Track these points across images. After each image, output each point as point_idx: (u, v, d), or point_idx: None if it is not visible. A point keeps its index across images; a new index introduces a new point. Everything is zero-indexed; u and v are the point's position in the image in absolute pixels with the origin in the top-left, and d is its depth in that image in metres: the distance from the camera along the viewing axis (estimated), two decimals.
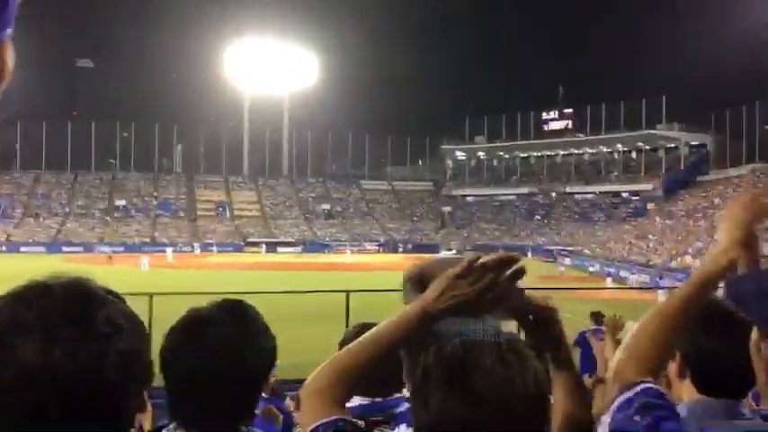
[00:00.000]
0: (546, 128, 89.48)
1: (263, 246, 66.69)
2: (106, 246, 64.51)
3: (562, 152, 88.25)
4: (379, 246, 72.60)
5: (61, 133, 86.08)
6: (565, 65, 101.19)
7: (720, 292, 1.59)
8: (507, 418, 0.98)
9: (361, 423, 1.48)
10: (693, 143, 76.39)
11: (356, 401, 1.89)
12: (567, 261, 51.25)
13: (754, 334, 1.01)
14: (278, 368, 5.33)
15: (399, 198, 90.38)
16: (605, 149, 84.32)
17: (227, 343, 1.45)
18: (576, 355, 10.34)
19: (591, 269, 45.94)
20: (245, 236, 73.79)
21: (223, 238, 73.30)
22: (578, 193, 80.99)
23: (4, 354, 0.85)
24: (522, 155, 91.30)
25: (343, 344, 2.41)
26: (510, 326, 1.38)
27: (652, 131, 77.28)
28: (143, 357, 0.96)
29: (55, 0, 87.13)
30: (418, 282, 1.34)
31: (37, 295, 0.91)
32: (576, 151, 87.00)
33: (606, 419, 1.28)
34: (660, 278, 33.94)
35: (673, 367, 1.76)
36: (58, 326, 0.87)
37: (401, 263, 51.58)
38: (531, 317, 1.37)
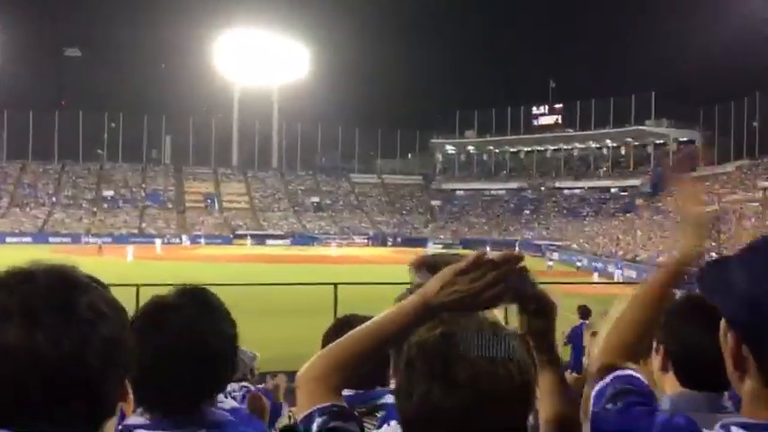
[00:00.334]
0: (536, 123, 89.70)
1: (249, 238, 66.44)
2: (93, 237, 64.15)
3: (551, 147, 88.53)
4: (367, 239, 72.63)
5: (48, 123, 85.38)
6: (555, 60, 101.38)
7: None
8: (491, 407, 0.98)
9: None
10: (682, 139, 76.85)
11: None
12: (556, 256, 51.44)
13: (723, 323, 1.03)
14: (258, 360, 5.32)
15: (389, 191, 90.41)
16: (594, 145, 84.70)
17: (189, 326, 1.50)
18: (567, 351, 10.40)
19: (579, 264, 46.17)
20: (234, 228, 73.61)
21: (212, 229, 73.08)
22: (567, 189, 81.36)
23: None
24: (511, 149, 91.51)
25: (326, 337, 2.42)
26: (495, 313, 1.39)
27: (641, 127, 77.69)
28: (125, 344, 0.96)
29: None
30: (433, 266, 1.36)
31: (19, 281, 0.90)
32: (566, 146, 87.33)
33: (588, 408, 1.28)
34: (647, 273, 34.16)
35: (656, 361, 1.78)
36: (41, 311, 0.87)
37: (389, 256, 51.63)
38: (534, 306, 1.37)
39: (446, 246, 60.09)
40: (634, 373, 1.29)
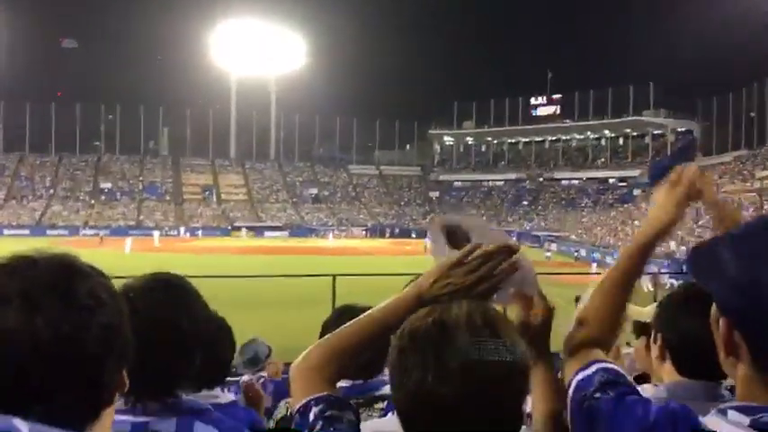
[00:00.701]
0: (534, 113, 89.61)
1: (244, 230, 66.35)
2: (91, 229, 64.07)
3: (550, 138, 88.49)
4: (365, 230, 72.63)
5: (45, 115, 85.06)
6: (553, 51, 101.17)
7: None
8: (485, 394, 0.99)
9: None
10: (680, 129, 76.85)
11: (337, 383, 1.91)
12: (554, 246, 51.51)
13: (714, 309, 1.03)
14: (273, 353, 5.31)
15: (387, 183, 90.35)
16: (592, 135, 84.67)
17: (156, 307, 1.50)
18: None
19: (576, 254, 46.24)
20: (232, 220, 73.55)
21: (210, 221, 73.03)
22: (565, 179, 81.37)
23: None
24: (509, 140, 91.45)
25: (325, 326, 2.42)
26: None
27: (639, 118, 77.66)
28: (124, 333, 0.96)
29: None
30: (452, 231, 1.33)
31: (20, 266, 0.91)
32: (564, 137, 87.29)
33: (569, 398, 1.27)
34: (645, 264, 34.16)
35: (654, 350, 1.78)
36: (41, 296, 0.88)
37: (387, 247, 51.65)
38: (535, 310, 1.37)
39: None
40: (615, 366, 1.29)
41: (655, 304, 1.90)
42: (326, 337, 1.32)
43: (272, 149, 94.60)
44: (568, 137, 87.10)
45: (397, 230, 71.79)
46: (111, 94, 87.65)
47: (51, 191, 76.38)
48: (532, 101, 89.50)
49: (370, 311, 1.30)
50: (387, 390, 2.06)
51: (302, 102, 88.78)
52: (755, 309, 0.91)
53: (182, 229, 66.90)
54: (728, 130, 70.19)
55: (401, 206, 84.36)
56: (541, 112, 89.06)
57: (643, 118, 77.41)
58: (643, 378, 2.28)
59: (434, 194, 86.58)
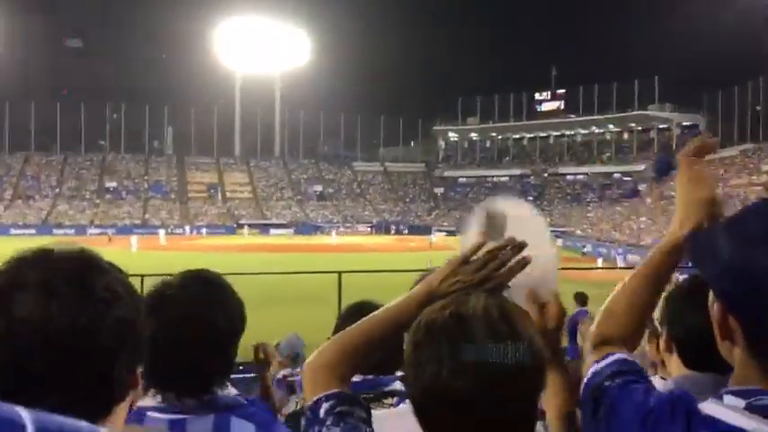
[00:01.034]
0: (538, 109, 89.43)
1: (246, 227, 66.40)
2: (97, 228, 64.27)
3: (554, 133, 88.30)
4: (370, 227, 72.65)
5: (50, 114, 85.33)
6: (558, 46, 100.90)
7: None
8: (500, 388, 0.98)
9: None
10: (685, 123, 76.56)
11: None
12: (559, 242, 51.40)
13: (711, 294, 1.03)
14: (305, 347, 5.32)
15: (391, 179, 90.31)
16: (597, 130, 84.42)
17: (193, 304, 1.52)
18: (565, 339, 10.42)
19: (584, 250, 46.14)
20: (237, 218, 73.67)
21: (215, 220, 73.16)
22: (570, 174, 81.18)
23: (2, 305, 0.86)
24: (514, 136, 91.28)
25: (340, 322, 2.43)
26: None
27: (644, 112, 77.41)
28: (139, 329, 0.96)
29: None
30: (492, 220, 1.32)
31: (40, 257, 0.93)
32: (569, 132, 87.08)
33: (581, 390, 1.28)
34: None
35: (661, 343, 1.78)
36: (58, 286, 0.88)
37: (392, 244, 51.65)
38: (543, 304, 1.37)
39: (449, 233, 60.04)
40: (630, 357, 1.28)
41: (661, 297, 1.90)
42: (339, 334, 1.32)
43: (277, 147, 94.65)
44: (573, 132, 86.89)
45: (402, 227, 71.79)
46: (116, 94, 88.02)
47: (57, 190, 76.65)
48: (537, 96, 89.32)
49: (382, 309, 1.30)
50: (397, 385, 2.07)
51: (306, 99, 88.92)
52: (748, 293, 0.92)
53: (187, 228, 67.06)
54: (734, 124, 69.89)
55: (406, 203, 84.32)
56: (546, 107, 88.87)
57: (648, 112, 77.15)
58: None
59: (439, 191, 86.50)
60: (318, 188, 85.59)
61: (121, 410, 0.96)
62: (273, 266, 16.32)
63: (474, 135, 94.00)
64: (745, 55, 68.33)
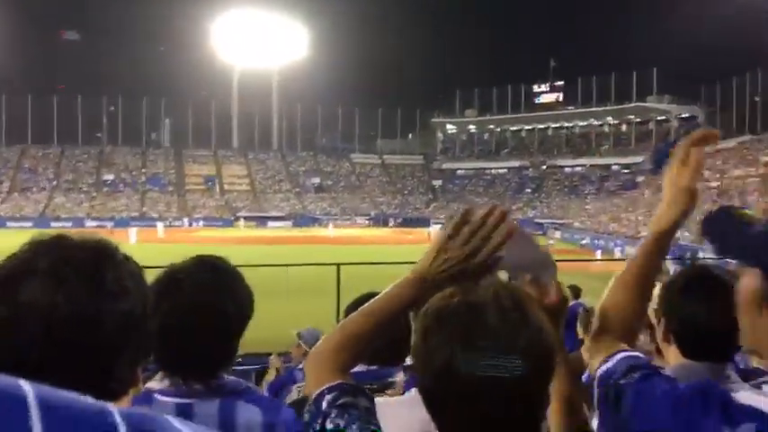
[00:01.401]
0: (537, 101, 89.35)
1: (242, 220, 66.35)
2: (94, 220, 64.20)
3: (553, 125, 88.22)
4: (369, 219, 72.65)
5: (47, 107, 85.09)
6: (556, 37, 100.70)
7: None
8: (514, 377, 0.98)
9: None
10: (684, 115, 76.54)
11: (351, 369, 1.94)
12: (558, 234, 51.50)
13: (746, 282, 1.05)
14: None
15: (389, 172, 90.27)
16: (596, 122, 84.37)
17: (202, 290, 1.54)
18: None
19: (582, 242, 46.20)
20: (235, 210, 73.62)
21: (213, 212, 73.11)
22: (568, 166, 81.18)
23: (9, 290, 0.86)
24: (512, 128, 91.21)
25: (348, 312, 2.44)
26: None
27: (642, 104, 77.35)
28: (144, 325, 0.95)
29: None
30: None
31: (55, 243, 0.92)
32: (567, 124, 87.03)
33: (594, 390, 1.28)
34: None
35: (658, 333, 1.80)
36: (68, 275, 0.88)
37: (391, 236, 51.66)
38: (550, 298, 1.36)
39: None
40: (638, 354, 1.29)
41: (657, 288, 1.92)
42: (339, 325, 1.32)
43: (275, 139, 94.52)
44: (571, 124, 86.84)
45: (400, 219, 71.83)
46: (113, 86, 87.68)
47: (54, 183, 76.52)
48: (535, 88, 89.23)
49: (379, 296, 1.29)
50: (400, 376, 2.09)
51: (304, 91, 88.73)
52: None
53: (185, 220, 67.02)
54: (732, 115, 69.89)
55: (404, 195, 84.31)
56: (544, 99, 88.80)
57: (646, 104, 77.11)
58: None
59: (437, 183, 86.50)
60: (316, 180, 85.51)
61: (123, 403, 0.95)
62: (271, 259, 16.30)
63: (472, 127, 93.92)
64: (744, 46, 68.25)
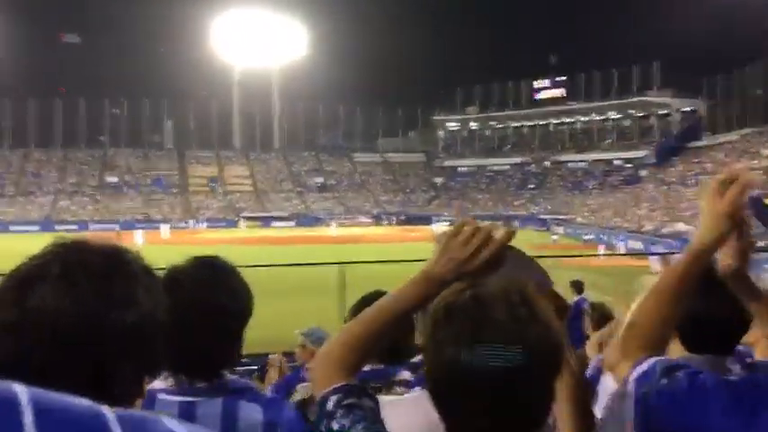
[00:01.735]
0: (538, 96, 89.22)
1: (243, 221, 66.40)
2: (99, 223, 64.28)
3: (554, 121, 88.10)
4: (372, 218, 72.68)
5: (49, 110, 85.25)
6: (556, 32, 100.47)
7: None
8: (521, 372, 0.98)
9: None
10: (685, 109, 76.38)
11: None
12: (561, 230, 51.46)
13: None
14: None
15: (392, 170, 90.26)
16: (597, 117, 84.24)
17: (201, 288, 1.55)
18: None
19: (586, 237, 46.16)
20: (239, 211, 73.70)
21: (216, 213, 73.19)
22: (571, 162, 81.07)
23: (20, 294, 0.86)
24: (514, 124, 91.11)
25: (354, 312, 2.46)
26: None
27: (644, 98, 77.21)
28: (152, 338, 0.94)
29: None
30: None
31: (71, 250, 0.92)
32: (569, 120, 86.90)
33: (629, 393, 1.27)
34: (653, 245, 34.19)
35: None
36: (79, 281, 0.87)
37: (394, 234, 51.67)
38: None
39: (451, 223, 60.04)
40: (669, 357, 1.30)
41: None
42: (344, 326, 1.33)
43: (276, 140, 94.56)
44: (573, 119, 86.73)
45: (403, 217, 71.83)
46: (115, 88, 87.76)
47: (59, 186, 76.70)
48: (536, 84, 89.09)
49: (386, 297, 1.30)
50: (406, 375, 2.11)
51: (305, 91, 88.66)
52: None
53: (190, 221, 67.12)
54: (734, 109, 69.70)
55: (406, 193, 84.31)
56: (545, 95, 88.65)
57: (648, 98, 76.96)
58: None
59: (439, 180, 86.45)
60: (319, 180, 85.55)
61: None
62: (275, 259, 16.34)
63: (473, 124, 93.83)
64: (745, 39, 68.04)
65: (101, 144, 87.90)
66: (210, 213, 72.56)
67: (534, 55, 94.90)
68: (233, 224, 67.33)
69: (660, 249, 28.91)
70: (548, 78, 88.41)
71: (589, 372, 2.95)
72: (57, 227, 62.35)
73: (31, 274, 0.88)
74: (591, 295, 9.35)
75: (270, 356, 5.40)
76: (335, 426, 1.14)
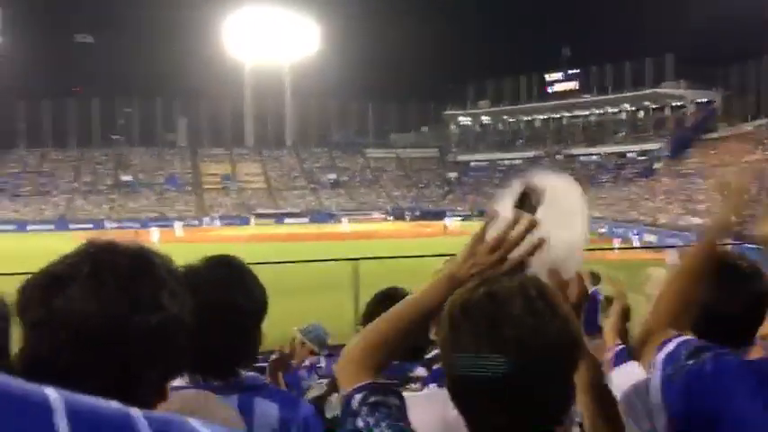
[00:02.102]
0: (551, 90, 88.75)
1: (253, 218, 66.64)
2: (114, 222, 64.75)
3: (567, 114, 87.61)
4: (385, 214, 72.65)
5: (64, 110, 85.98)
6: (569, 25, 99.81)
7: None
8: (540, 365, 0.98)
9: None
10: (700, 100, 75.68)
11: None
12: None
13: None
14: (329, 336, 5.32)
15: (404, 165, 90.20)
16: (611, 110, 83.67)
17: (216, 288, 1.56)
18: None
19: (601, 230, 45.88)
20: (251, 208, 73.95)
21: (230, 210, 73.49)
22: (584, 155, 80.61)
23: (50, 294, 0.88)
24: (526, 118, 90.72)
25: (370, 308, 2.45)
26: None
27: (658, 90, 76.59)
28: (175, 340, 0.95)
29: None
30: (526, 196, 1.28)
31: (100, 253, 0.93)
32: (582, 112, 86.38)
33: (656, 375, 1.29)
34: (668, 237, 33.94)
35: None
36: (106, 283, 0.89)
37: (408, 230, 51.64)
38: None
39: (465, 218, 59.90)
40: (694, 338, 1.32)
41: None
42: (366, 328, 1.32)
43: (289, 136, 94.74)
44: (586, 112, 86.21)
45: (416, 213, 71.75)
46: (128, 88, 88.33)
47: (75, 184, 77.40)
48: (548, 77, 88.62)
49: (405, 299, 1.30)
50: (421, 371, 2.11)
51: (317, 87, 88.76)
52: None
53: (204, 219, 67.47)
54: (749, 99, 68.99)
55: (420, 188, 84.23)
56: (558, 87, 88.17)
57: (662, 90, 76.33)
58: None
59: (452, 175, 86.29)
60: (332, 176, 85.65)
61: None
62: (288, 255, 16.38)
63: (486, 118, 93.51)
64: (759, 29, 67.24)
65: (115, 143, 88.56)
66: (224, 211, 72.86)
67: (546, 48, 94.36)
68: (246, 221, 67.57)
69: (676, 242, 28.69)
70: (560, 71, 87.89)
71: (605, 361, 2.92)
72: (72, 226, 62.89)
73: (61, 274, 0.90)
74: (603, 289, 9.28)
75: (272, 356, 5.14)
76: (360, 423, 1.14)
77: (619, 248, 29.33)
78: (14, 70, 75.88)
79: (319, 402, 2.50)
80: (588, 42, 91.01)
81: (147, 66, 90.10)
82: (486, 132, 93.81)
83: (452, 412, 1.06)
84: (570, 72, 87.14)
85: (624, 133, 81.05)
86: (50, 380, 0.75)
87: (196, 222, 66.02)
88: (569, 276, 1.33)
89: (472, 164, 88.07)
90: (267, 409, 1.57)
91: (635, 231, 40.60)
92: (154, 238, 42.64)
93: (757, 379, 1.12)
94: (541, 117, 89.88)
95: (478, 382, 0.99)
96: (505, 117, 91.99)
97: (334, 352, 5.39)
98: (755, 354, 1.97)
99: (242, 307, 1.58)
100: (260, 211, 71.60)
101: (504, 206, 1.27)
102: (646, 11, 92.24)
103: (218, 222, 66.29)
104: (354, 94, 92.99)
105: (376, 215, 71.87)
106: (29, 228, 60.70)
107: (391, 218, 70.21)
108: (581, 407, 1.39)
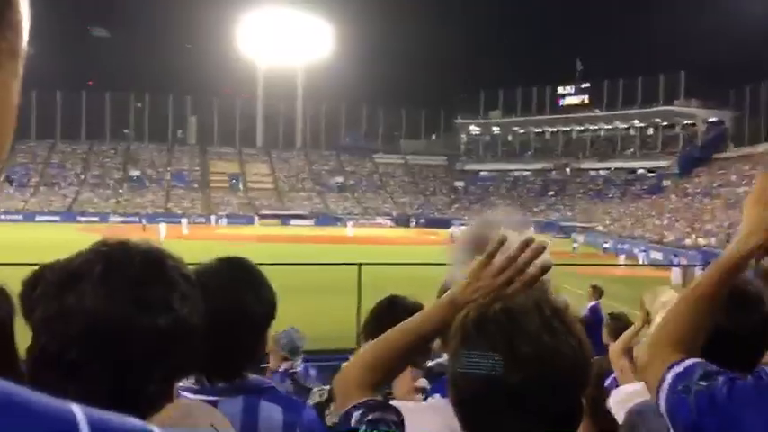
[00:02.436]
0: (562, 103, 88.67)
1: (257, 218, 66.72)
2: (120, 216, 64.98)
3: (577, 128, 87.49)
4: (391, 220, 72.62)
5: (76, 103, 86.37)
6: (582, 39, 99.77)
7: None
8: (556, 381, 0.98)
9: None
10: (711, 120, 75.46)
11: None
12: (581, 238, 51.02)
13: None
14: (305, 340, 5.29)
15: (412, 172, 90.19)
16: (621, 125, 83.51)
17: (226, 290, 1.55)
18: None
19: (605, 245, 45.73)
20: (258, 208, 74.06)
21: (236, 210, 73.61)
22: (593, 170, 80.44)
23: (63, 289, 0.89)
24: (536, 130, 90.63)
25: (371, 319, 2.45)
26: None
27: (669, 108, 76.40)
28: (184, 343, 0.95)
29: None
30: (472, 244, 1.31)
31: (114, 252, 0.94)
32: (592, 127, 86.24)
33: (663, 395, 1.26)
34: (674, 256, 33.79)
35: None
36: (117, 283, 0.90)
37: (413, 237, 51.61)
38: None
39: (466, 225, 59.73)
40: (704, 361, 1.29)
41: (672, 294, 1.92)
42: (365, 350, 1.34)
43: (299, 138, 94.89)
44: (596, 126, 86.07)
45: (422, 220, 71.70)
46: (141, 83, 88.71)
47: (83, 176, 77.70)
48: (560, 90, 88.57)
49: (405, 323, 1.29)
50: (423, 382, 2.10)
51: (329, 90, 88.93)
52: None
53: (211, 217, 67.60)
54: (761, 120, 68.74)
55: (426, 196, 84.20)
56: (569, 101, 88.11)
57: (673, 108, 76.14)
58: None
59: (460, 184, 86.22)
60: (339, 180, 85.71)
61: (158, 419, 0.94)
62: (292, 257, 16.39)
63: (496, 129, 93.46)
64: None
65: (125, 138, 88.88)
66: (230, 210, 72.98)
67: (559, 61, 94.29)
68: (252, 221, 67.69)
69: (682, 261, 28.58)
70: (572, 85, 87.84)
71: (607, 382, 2.91)
72: (78, 218, 63.17)
73: (74, 271, 0.91)
74: (608, 304, 9.24)
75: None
76: None
77: (624, 265, 29.27)
78: (28, 61, 76.14)
79: (322, 408, 2.50)
80: (601, 57, 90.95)
81: (161, 62, 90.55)
82: (495, 142, 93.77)
83: (456, 423, 1.06)
84: (582, 86, 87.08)
85: (633, 149, 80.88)
86: (58, 375, 0.80)
87: (202, 220, 66.16)
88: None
89: (480, 173, 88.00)
90: (272, 413, 1.57)
91: (641, 248, 40.46)
92: (161, 233, 42.74)
93: None
94: (551, 130, 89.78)
95: (492, 397, 0.98)
96: (516, 128, 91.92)
97: (311, 357, 5.32)
98: None
99: (252, 309, 1.58)
100: (265, 212, 71.70)
101: (458, 266, 1.29)
102: (659, 28, 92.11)
103: (224, 221, 66.39)
104: (366, 99, 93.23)
105: (380, 220, 71.88)
106: (36, 219, 60.94)
107: (393, 224, 70.18)
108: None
